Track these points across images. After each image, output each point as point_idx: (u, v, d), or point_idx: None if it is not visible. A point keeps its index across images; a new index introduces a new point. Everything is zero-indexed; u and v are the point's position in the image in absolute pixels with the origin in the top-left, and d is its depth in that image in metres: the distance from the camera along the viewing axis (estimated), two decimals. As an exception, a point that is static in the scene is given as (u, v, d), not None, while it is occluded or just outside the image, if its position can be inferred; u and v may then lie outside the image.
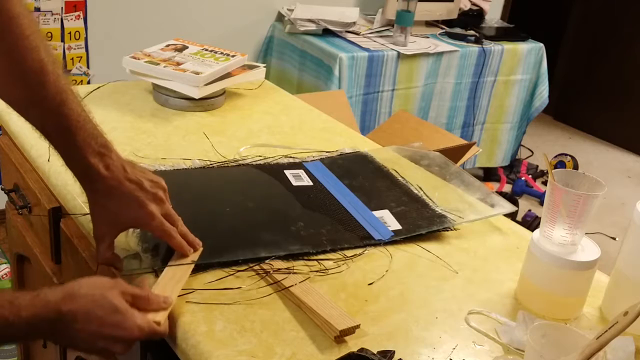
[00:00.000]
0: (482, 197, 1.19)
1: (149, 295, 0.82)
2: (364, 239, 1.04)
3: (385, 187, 1.21)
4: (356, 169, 1.27)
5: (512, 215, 3.06)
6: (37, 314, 0.75)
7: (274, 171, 1.22)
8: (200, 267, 0.93)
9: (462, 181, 1.24)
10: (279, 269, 0.93)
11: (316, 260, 0.98)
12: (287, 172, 1.22)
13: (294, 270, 0.94)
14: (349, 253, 1.01)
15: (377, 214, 1.11)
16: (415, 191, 1.20)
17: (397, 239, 1.05)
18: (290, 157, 1.29)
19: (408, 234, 1.06)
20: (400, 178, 1.24)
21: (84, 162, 0.87)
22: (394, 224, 1.09)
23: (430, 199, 1.17)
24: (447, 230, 1.10)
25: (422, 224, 1.09)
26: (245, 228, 1.04)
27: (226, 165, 1.23)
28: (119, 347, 0.79)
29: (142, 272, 0.91)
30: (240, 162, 1.25)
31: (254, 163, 1.25)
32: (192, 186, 1.16)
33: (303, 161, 1.27)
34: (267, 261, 0.95)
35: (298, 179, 1.20)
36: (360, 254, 1.01)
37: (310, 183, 1.19)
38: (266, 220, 1.07)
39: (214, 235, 1.00)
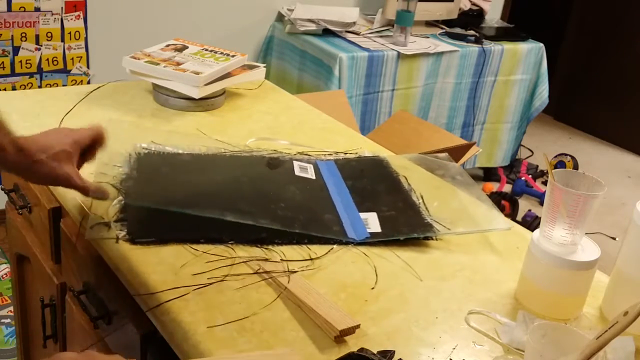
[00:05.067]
0: (484, 213, 1.17)
1: None
2: (337, 234, 1.04)
3: (386, 191, 1.21)
4: (365, 172, 1.27)
5: (512, 216, 3.07)
6: None
7: (282, 160, 1.25)
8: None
9: (470, 193, 1.22)
10: (257, 261, 0.94)
11: (286, 261, 0.97)
12: (296, 163, 1.24)
13: (265, 269, 0.94)
14: (318, 250, 1.00)
15: (364, 215, 1.11)
16: (415, 199, 1.19)
17: (371, 241, 1.04)
18: (305, 154, 1.30)
19: (385, 237, 1.05)
20: (406, 185, 1.23)
21: None
22: (375, 227, 1.08)
23: (425, 208, 1.16)
24: (428, 240, 1.07)
25: (404, 230, 1.08)
26: (226, 194, 1.11)
27: (238, 154, 1.26)
28: None
29: (106, 238, 0.98)
30: (254, 153, 1.27)
31: (266, 155, 1.27)
32: (198, 164, 1.21)
33: (317, 159, 1.28)
34: (230, 244, 0.99)
35: (303, 170, 1.22)
36: (327, 253, 1.00)
37: (313, 177, 1.21)
38: (249, 194, 1.12)
39: (196, 194, 1.09)
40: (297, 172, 1.21)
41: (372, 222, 1.09)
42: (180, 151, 1.23)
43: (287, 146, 1.34)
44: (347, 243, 1.03)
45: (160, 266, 0.93)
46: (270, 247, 1.00)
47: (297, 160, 1.26)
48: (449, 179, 1.29)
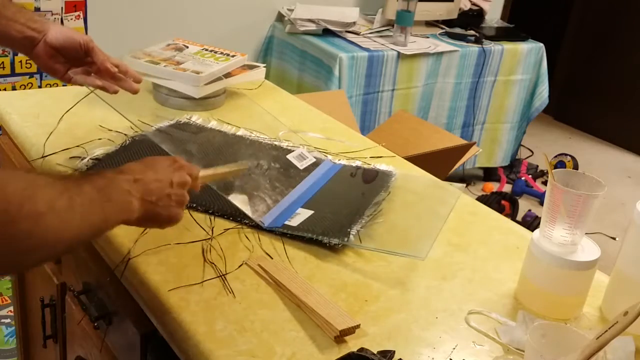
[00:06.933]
0: (420, 242, 1.07)
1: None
2: (253, 211, 1.06)
3: (351, 198, 1.16)
4: (359, 179, 1.25)
5: (512, 216, 3.07)
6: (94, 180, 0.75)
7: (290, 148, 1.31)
8: None
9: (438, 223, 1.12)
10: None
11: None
12: (300, 149, 1.27)
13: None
14: (219, 224, 1.04)
15: (301, 209, 1.09)
16: (368, 211, 1.11)
17: (281, 232, 1.03)
18: (325, 153, 1.32)
19: (293, 232, 1.03)
20: (381, 197, 1.17)
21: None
22: (295, 222, 1.05)
23: (366, 220, 1.09)
24: (328, 246, 1.01)
25: (318, 231, 1.03)
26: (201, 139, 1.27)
27: (262, 140, 1.33)
28: (188, 179, 0.87)
29: (64, 166, 1.10)
30: (276, 142, 1.33)
31: (289, 147, 1.31)
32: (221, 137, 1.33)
33: (329, 159, 1.28)
34: None
35: (298, 159, 1.24)
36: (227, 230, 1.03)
37: (301, 168, 1.23)
38: (223, 144, 1.27)
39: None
40: (290, 156, 1.24)
41: (300, 217, 1.07)
42: (218, 128, 1.36)
43: (319, 140, 1.38)
44: (256, 226, 1.04)
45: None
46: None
47: (307, 149, 1.28)
48: (432, 206, 1.21)
